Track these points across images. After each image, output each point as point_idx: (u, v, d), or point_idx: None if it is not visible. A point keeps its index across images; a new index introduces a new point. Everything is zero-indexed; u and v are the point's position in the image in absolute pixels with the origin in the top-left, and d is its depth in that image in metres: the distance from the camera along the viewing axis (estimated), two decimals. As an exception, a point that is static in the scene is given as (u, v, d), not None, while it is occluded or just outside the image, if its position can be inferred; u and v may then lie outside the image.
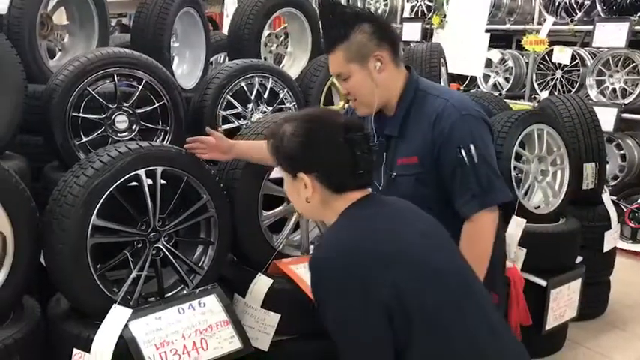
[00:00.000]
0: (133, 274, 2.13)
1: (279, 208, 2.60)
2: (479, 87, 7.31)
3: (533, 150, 3.42)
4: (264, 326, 2.43)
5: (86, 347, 1.98)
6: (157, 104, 2.98)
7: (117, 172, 2.06)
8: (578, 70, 6.15)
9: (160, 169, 2.16)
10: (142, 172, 2.12)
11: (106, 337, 1.96)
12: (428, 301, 1.36)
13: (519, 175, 3.41)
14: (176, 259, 2.28)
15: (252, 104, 3.31)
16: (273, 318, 2.42)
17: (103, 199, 2.03)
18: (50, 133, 2.78)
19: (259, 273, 2.47)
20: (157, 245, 2.22)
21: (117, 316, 1.99)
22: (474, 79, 7.36)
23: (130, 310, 2.02)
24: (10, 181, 1.96)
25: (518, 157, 3.37)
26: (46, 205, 2.12)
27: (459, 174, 1.91)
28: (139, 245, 2.19)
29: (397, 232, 1.46)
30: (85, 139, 2.84)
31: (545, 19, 6.38)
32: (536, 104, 5.18)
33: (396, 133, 2.01)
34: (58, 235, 2.00)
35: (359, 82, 1.94)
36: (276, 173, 2.55)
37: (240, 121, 3.28)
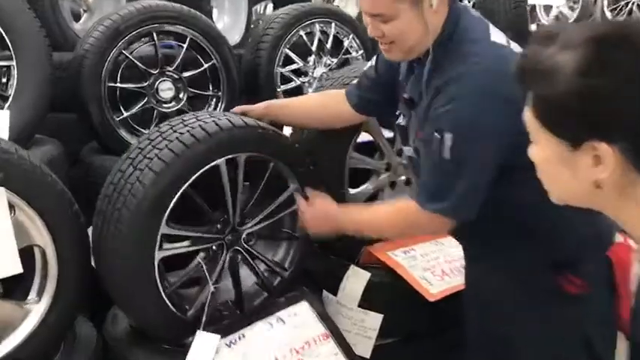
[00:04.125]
0: (212, 288, 1.69)
1: (368, 183, 2.12)
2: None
3: None
4: (364, 329, 2.00)
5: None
6: (206, 65, 2.50)
7: (193, 163, 1.60)
8: (661, -8, 5.45)
9: (243, 157, 1.70)
10: (221, 162, 1.65)
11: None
12: None
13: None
14: (255, 260, 1.84)
15: (313, 56, 2.80)
16: (375, 319, 1.98)
17: (174, 200, 1.58)
18: (84, 109, 2.36)
19: (352, 265, 2.02)
20: (235, 247, 1.78)
21: (203, 346, 1.56)
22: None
23: (218, 337, 1.59)
24: (45, 182, 1.52)
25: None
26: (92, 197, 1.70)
27: (426, 158, 1.47)
28: (215, 249, 1.75)
29: None
30: (125, 114, 2.40)
31: None
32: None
33: (416, 96, 1.50)
34: (116, 248, 1.57)
35: (406, 26, 1.39)
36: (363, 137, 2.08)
37: (301, 79, 2.78)
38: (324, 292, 2.05)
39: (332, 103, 1.81)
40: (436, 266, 2.03)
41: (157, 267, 1.61)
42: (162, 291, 1.63)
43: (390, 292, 1.98)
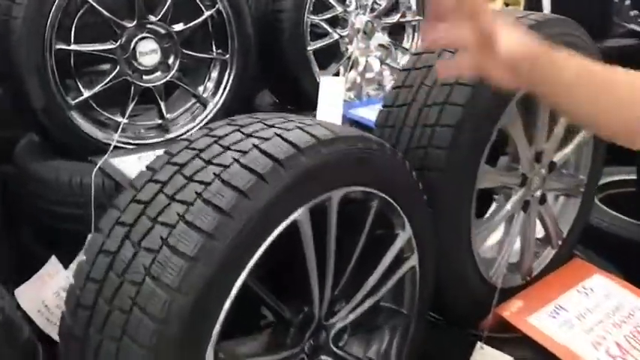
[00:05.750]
0: None
1: (501, 207, 1.35)
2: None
3: None
4: None
5: None
6: (206, 14, 1.64)
7: (262, 221, 0.80)
8: None
9: (338, 196, 0.90)
10: (303, 214, 0.85)
11: None
12: None
13: None
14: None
15: (354, -2, 1.98)
16: None
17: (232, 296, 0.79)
18: (18, 85, 1.50)
19: (480, 343, 1.28)
20: (321, 357, 1.00)
21: None
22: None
23: None
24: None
25: None
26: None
27: None
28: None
29: None
30: (86, 94, 1.53)
31: None
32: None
33: None
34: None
35: None
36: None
37: (338, 30, 1.95)
38: (435, 385, 1.32)
39: None
40: (606, 337, 1.32)
41: None
42: None
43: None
